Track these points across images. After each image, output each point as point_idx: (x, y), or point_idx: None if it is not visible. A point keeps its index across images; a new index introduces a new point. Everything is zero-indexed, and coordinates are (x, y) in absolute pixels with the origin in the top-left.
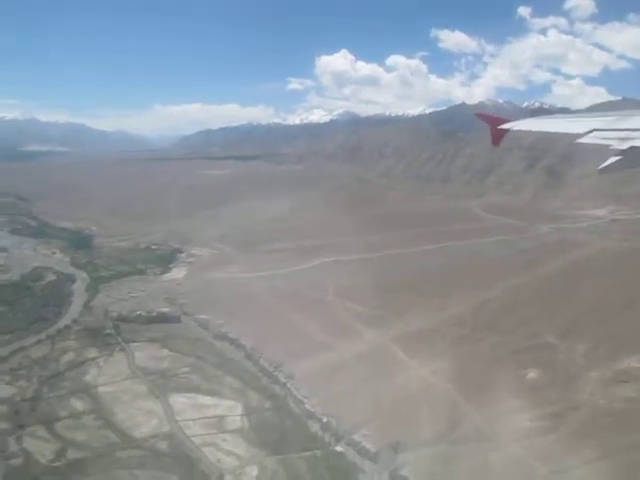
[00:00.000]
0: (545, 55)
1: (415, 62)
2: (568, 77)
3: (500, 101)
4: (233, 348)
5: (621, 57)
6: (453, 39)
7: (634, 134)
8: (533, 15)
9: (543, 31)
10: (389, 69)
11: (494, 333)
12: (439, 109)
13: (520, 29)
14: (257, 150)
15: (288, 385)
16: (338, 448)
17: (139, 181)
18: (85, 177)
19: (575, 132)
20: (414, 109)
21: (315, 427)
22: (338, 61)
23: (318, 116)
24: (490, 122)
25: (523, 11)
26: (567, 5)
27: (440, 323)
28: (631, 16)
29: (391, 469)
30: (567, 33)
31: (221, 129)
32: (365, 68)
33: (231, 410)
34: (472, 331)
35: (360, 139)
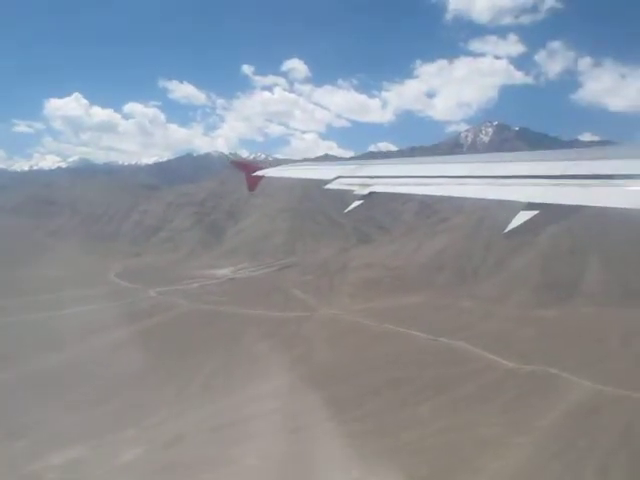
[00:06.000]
0: (274, 111)
1: (152, 110)
2: (300, 132)
3: (226, 153)
4: None
5: (339, 116)
6: (183, 90)
7: (371, 181)
8: (256, 73)
9: (269, 88)
10: (127, 116)
11: None
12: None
13: (246, 85)
14: None
15: None
16: None
17: None
18: None
19: (325, 178)
20: (151, 158)
21: None
22: (70, 105)
23: (51, 162)
24: (245, 169)
25: (247, 69)
26: (284, 67)
27: None
28: (340, 81)
29: None
30: (290, 92)
31: None
32: (101, 114)
33: None
34: None
35: (54, 191)
